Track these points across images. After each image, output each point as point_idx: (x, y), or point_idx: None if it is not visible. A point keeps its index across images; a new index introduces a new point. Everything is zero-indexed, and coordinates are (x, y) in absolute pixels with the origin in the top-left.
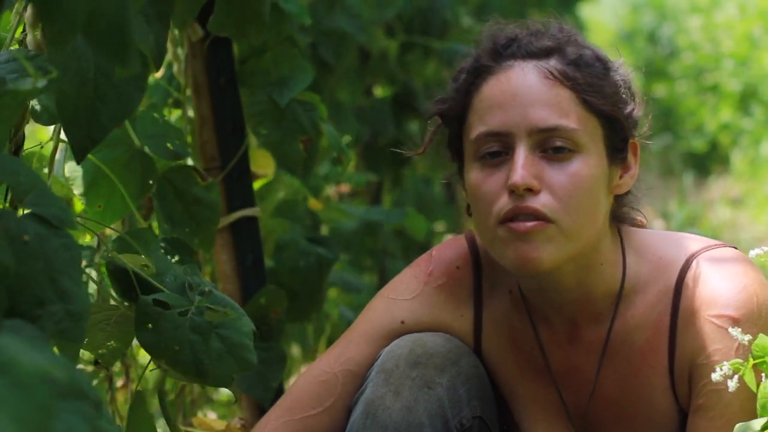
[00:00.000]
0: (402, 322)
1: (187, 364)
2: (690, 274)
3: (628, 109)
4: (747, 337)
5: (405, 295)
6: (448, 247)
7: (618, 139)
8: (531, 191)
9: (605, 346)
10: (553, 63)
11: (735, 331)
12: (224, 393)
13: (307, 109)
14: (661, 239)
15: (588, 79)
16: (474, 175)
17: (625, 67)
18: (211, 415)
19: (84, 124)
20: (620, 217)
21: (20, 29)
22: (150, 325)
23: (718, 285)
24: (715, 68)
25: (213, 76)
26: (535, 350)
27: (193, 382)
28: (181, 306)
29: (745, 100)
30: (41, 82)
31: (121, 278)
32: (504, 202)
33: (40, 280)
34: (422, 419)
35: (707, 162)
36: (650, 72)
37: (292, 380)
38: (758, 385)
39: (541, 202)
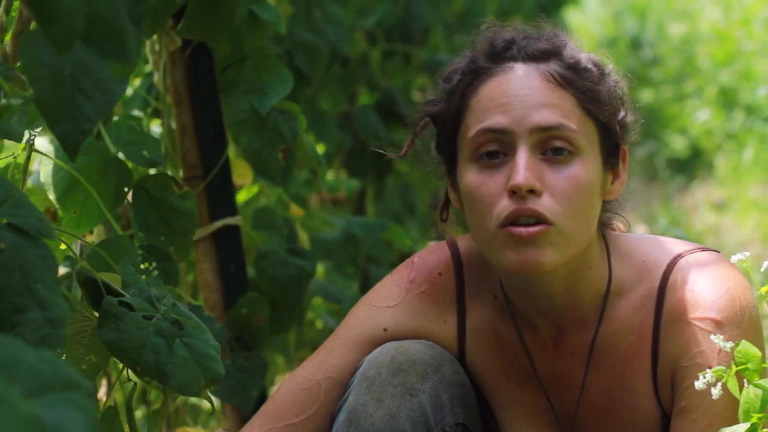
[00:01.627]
0: (384, 330)
1: (148, 365)
2: (673, 278)
3: (621, 115)
4: (729, 344)
5: (387, 302)
6: (430, 253)
7: (611, 144)
8: (533, 193)
9: (591, 350)
10: (553, 66)
11: (717, 339)
12: (207, 403)
13: (287, 118)
14: (645, 243)
15: (586, 84)
16: (471, 176)
17: (615, 73)
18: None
19: (69, 119)
20: (603, 222)
21: None
22: (113, 325)
23: (701, 288)
24: (698, 73)
25: (194, 85)
26: (521, 355)
27: (155, 387)
28: (146, 311)
29: (728, 105)
30: (16, 100)
31: (92, 289)
32: (504, 205)
33: (17, 288)
34: (405, 426)
35: (691, 167)
36: (633, 78)
37: (275, 389)
38: (741, 391)
39: (544, 204)
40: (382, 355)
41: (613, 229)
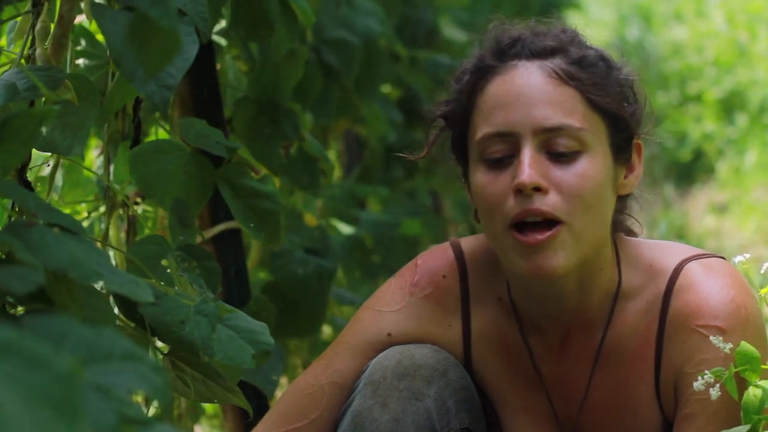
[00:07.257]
0: (388, 335)
1: (192, 337)
2: (678, 283)
3: (632, 108)
4: (729, 345)
5: (391, 306)
6: (434, 255)
7: (622, 137)
8: (539, 191)
9: (598, 354)
10: (557, 62)
11: (717, 340)
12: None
13: (289, 116)
14: (653, 247)
15: (592, 78)
16: (479, 176)
17: (627, 67)
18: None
19: (153, 78)
20: (616, 223)
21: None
22: (153, 302)
23: (706, 295)
24: (699, 77)
25: (196, 88)
26: (526, 358)
27: (202, 360)
28: (184, 296)
29: (729, 109)
30: (56, 106)
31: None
32: (511, 205)
33: (86, 258)
34: (410, 431)
35: (692, 170)
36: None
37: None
38: (741, 393)
39: (550, 202)
40: (387, 360)
41: (633, 234)
